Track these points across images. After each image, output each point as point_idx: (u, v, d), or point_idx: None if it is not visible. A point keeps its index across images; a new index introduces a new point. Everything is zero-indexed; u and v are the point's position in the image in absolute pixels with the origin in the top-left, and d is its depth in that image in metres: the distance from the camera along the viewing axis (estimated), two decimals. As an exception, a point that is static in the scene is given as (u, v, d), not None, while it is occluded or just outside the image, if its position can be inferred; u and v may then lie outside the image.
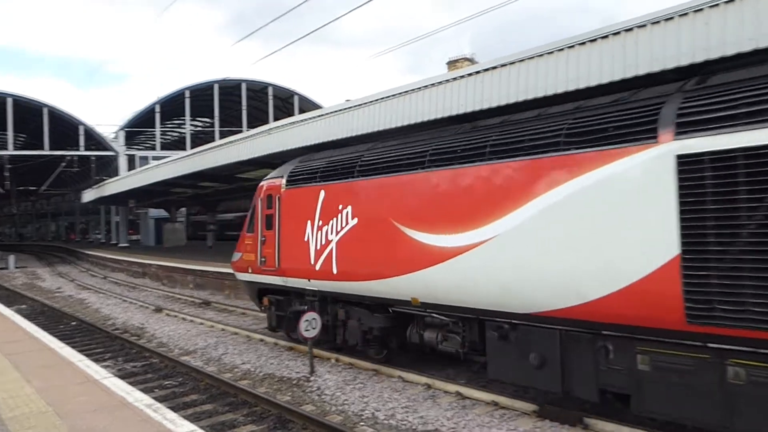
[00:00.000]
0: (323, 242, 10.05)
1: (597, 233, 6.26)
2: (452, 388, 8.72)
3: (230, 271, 14.27)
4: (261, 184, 12.11)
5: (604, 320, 6.31)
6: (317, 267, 10.16)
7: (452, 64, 30.26)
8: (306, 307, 10.68)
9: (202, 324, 15.55)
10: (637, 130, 6.04)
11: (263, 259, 11.65)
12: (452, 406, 8.08)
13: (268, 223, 11.57)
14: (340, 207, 9.74)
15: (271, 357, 11.40)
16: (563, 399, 7.39)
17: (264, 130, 17.02)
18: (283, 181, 11.30)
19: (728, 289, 5.34)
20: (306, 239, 10.42)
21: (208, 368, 10.75)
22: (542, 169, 6.78)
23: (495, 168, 7.30)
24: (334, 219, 9.83)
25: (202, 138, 48.70)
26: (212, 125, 49.13)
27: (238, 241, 12.78)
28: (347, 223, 9.58)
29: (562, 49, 8.02)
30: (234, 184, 27.59)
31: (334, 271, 9.80)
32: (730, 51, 6.24)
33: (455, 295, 7.87)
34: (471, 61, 28.89)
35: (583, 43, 7.80)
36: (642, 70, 7.19)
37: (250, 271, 12.23)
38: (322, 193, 10.20)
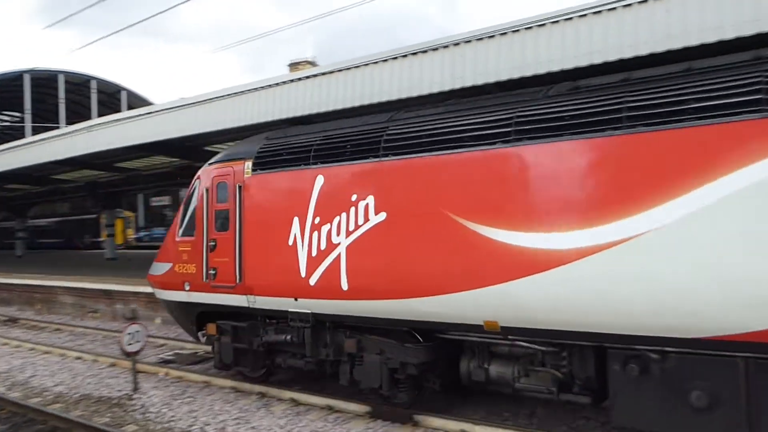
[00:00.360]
0: (323, 247, 7.34)
1: None
2: (287, 395, 8.55)
3: (43, 283, 12.09)
4: (205, 169, 9.09)
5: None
6: (312, 281, 7.44)
7: (294, 66, 30.40)
8: (289, 337, 8.03)
9: (6, 344, 13.77)
10: None
11: (212, 272, 8.58)
12: (286, 413, 7.94)
13: (221, 222, 8.57)
14: (354, 197, 7.07)
15: (89, 376, 10.39)
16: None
17: (84, 126, 15.69)
18: (248, 164, 8.30)
19: None
20: (291, 243, 7.64)
21: (11, 394, 9.50)
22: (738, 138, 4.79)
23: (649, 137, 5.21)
24: (343, 214, 7.16)
25: (10, 134, 43.46)
26: (22, 120, 44.00)
27: (160, 248, 9.89)
28: (367, 220, 6.96)
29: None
30: (49, 186, 24.96)
31: (344, 286, 7.13)
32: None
33: (567, 315, 5.61)
34: (312, 63, 29.16)
35: (416, 54, 8.29)
36: (468, 82, 7.75)
37: (186, 288, 8.99)
38: (320, 179, 7.48)
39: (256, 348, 8.60)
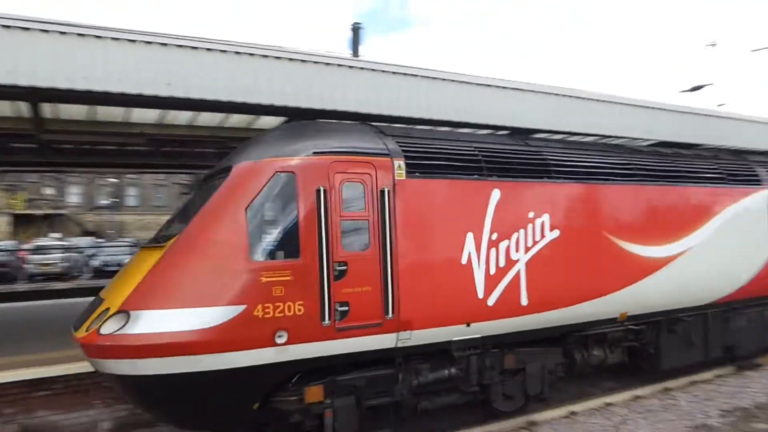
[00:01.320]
0: (502, 264, 7.26)
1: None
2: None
3: None
4: (308, 159, 6.38)
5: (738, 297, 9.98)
6: (490, 301, 7.14)
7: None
8: (452, 370, 7.21)
9: None
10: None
11: (343, 308, 6.29)
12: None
13: (356, 237, 6.47)
14: (531, 215, 7.59)
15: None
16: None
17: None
18: (398, 163, 6.79)
19: None
20: (465, 262, 7.02)
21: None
22: None
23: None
24: (521, 230, 7.48)
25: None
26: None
27: (189, 280, 5.89)
28: (543, 236, 7.63)
29: None
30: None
31: (524, 302, 7.36)
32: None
33: (663, 300, 8.97)
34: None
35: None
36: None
37: (280, 340, 5.97)
38: (496, 193, 7.37)
39: (403, 398, 6.87)
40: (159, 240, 6.46)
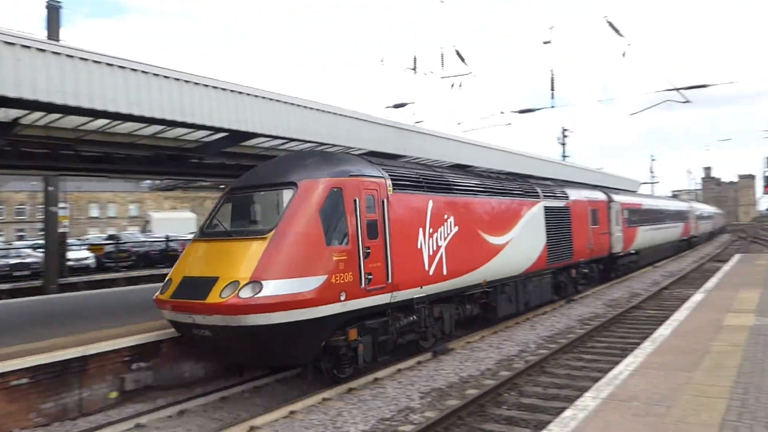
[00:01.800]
0: (434, 248, 11.10)
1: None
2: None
3: None
4: (349, 180, 9.36)
5: (532, 270, 15.19)
6: (431, 272, 10.94)
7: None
8: (414, 317, 10.75)
9: None
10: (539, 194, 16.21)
11: (369, 277, 9.28)
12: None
13: (371, 231, 9.51)
14: (446, 216, 11.65)
15: None
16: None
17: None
18: (388, 182, 10.21)
19: (556, 250, 16.35)
20: (419, 247, 10.72)
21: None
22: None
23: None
24: (442, 226, 11.49)
25: None
26: None
27: (282, 260, 8.18)
28: (451, 231, 11.76)
29: None
30: None
31: (444, 272, 11.34)
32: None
33: (503, 271, 13.69)
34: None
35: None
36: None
37: (343, 298, 8.73)
38: (430, 203, 11.24)
39: (394, 336, 10.26)
40: (239, 233, 8.86)
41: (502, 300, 13.89)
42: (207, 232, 9.41)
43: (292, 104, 10.20)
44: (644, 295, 19.17)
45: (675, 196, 73.08)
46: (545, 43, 16.88)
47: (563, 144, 42.84)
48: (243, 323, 7.90)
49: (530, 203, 15.50)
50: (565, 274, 17.82)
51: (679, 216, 38.84)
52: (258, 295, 7.82)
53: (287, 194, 8.81)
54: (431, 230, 11.03)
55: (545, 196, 16.70)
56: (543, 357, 10.76)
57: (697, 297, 13.64)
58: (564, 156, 42.27)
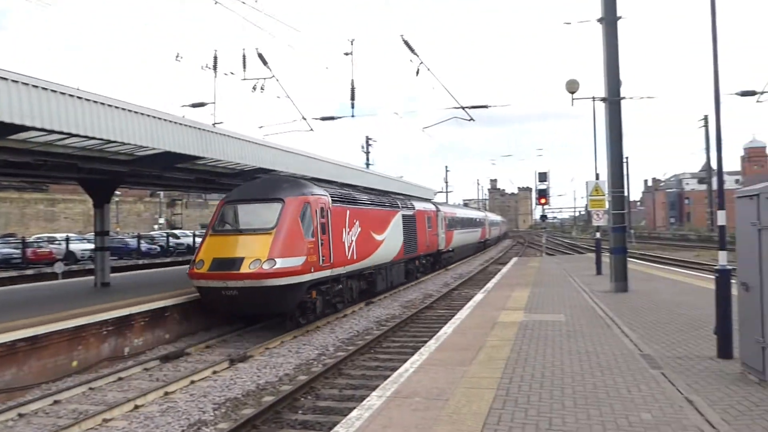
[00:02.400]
0: (350, 241, 16.75)
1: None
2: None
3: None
4: (309, 197, 14.54)
5: (393, 260, 21.40)
6: (348, 257, 16.52)
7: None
8: (340, 287, 16.40)
9: None
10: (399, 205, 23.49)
11: (323, 258, 14.60)
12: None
13: (323, 229, 14.88)
14: (355, 221, 17.29)
15: None
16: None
17: None
18: (329, 199, 15.70)
19: (408, 246, 23.61)
20: (343, 240, 16.25)
21: None
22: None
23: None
24: (353, 227, 17.09)
25: None
26: None
27: (281, 248, 13.11)
28: (359, 230, 17.51)
29: None
30: None
31: (355, 257, 17.03)
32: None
33: (383, 258, 19.92)
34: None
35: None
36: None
37: (312, 270, 13.93)
38: (348, 212, 17.00)
39: (333, 299, 15.96)
40: (248, 229, 13.66)
41: (379, 279, 19.91)
42: (219, 230, 14.06)
43: (71, 96, 9.24)
44: (436, 296, 20.67)
45: (466, 204, 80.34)
46: (346, 54, 17.39)
47: (367, 153, 44.61)
48: (263, 285, 12.73)
49: (395, 212, 22.15)
50: (412, 263, 25.18)
51: (479, 223, 49.29)
52: (273, 268, 12.73)
53: (279, 206, 13.69)
54: (348, 230, 16.57)
55: (402, 207, 23.54)
56: (340, 359, 11.03)
57: (479, 296, 15.05)
58: (367, 164, 44.02)
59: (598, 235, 23.71)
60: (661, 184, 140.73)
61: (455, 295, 21.37)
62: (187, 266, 15.15)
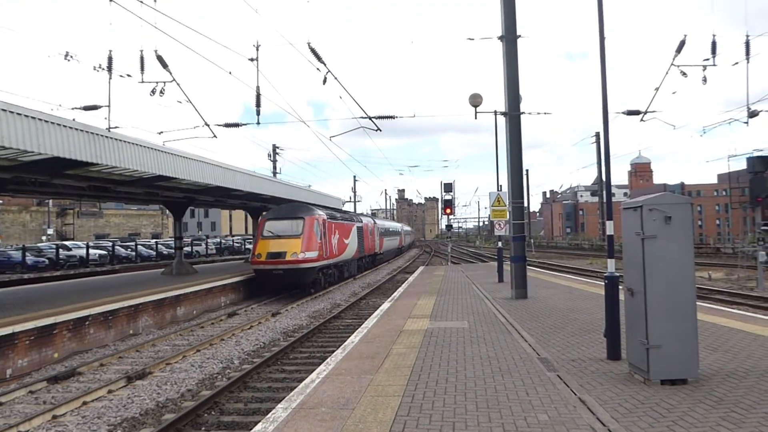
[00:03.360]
0: (334, 243, 27.07)
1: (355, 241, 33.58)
2: None
3: None
4: (315, 216, 24.93)
5: (352, 257, 32.94)
6: (335, 252, 26.94)
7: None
8: (331, 272, 27.49)
9: None
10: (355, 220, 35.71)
11: (326, 253, 25.31)
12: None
13: (324, 235, 25.16)
14: (335, 230, 27.69)
15: None
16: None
17: None
18: (326, 217, 26.52)
19: (359, 248, 35.39)
20: (330, 242, 26.40)
21: None
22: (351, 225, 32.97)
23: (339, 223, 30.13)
24: (334, 234, 27.45)
25: None
26: None
27: (305, 246, 23.54)
28: (336, 235, 28.12)
29: None
30: None
31: (335, 252, 27.38)
32: None
33: (347, 256, 31.29)
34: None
35: None
36: None
37: (322, 259, 24.97)
38: (331, 225, 26.95)
39: (328, 278, 26.78)
40: (285, 234, 23.69)
41: (345, 269, 30.48)
42: (266, 236, 23.52)
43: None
44: (344, 305, 20.67)
45: (374, 214, 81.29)
46: (251, 60, 17.05)
47: (274, 161, 44.04)
48: (298, 267, 22.70)
49: (353, 225, 33.01)
50: (361, 260, 35.83)
51: (398, 233, 63.85)
52: (302, 257, 22.68)
53: (301, 221, 23.70)
54: (331, 235, 26.21)
55: (356, 221, 34.80)
56: (246, 372, 10.79)
57: (386, 305, 15.21)
58: (275, 172, 43.47)
59: (500, 244, 24.65)
60: (558, 195, 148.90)
61: (363, 304, 21.48)
62: (80, 279, 23.13)
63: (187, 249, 45.77)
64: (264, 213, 27.17)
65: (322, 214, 25.73)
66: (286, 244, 22.79)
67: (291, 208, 25.57)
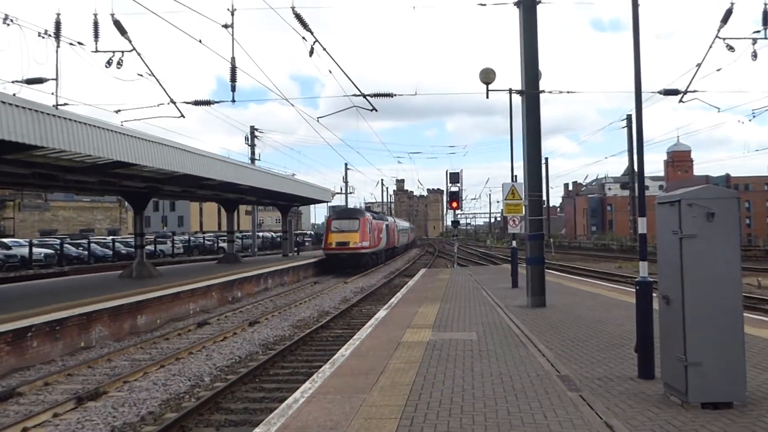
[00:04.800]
0: (380, 236, 51.03)
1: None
2: None
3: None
4: (366, 217, 45.79)
5: (384, 248, 55.05)
6: (380, 242, 52.57)
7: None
8: (376, 256, 49.81)
9: None
10: (385, 219, 59.96)
11: (375, 242, 47.48)
12: None
13: (372, 230, 46.34)
14: (379, 226, 51.39)
15: None
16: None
17: None
18: (372, 216, 50.27)
19: (387, 241, 57.70)
20: (378, 235, 50.30)
21: None
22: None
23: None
24: (379, 229, 51.71)
25: None
26: None
27: (362, 238, 42.62)
28: (382, 231, 53.20)
29: None
30: None
31: (380, 243, 51.97)
32: None
33: (384, 246, 54.99)
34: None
35: None
36: None
37: (374, 246, 46.42)
38: (378, 222, 52.63)
39: (375, 260, 49.44)
40: (347, 229, 43.86)
41: (382, 255, 52.04)
42: (334, 230, 43.33)
43: None
44: (333, 313, 20.72)
45: (368, 208, 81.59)
46: (225, 26, 16.88)
47: (252, 146, 44.00)
48: (357, 252, 42.65)
49: (383, 223, 53.12)
50: (387, 251, 55.46)
51: (407, 230, 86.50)
52: (360, 245, 42.58)
53: (357, 220, 43.67)
54: (375, 231, 46.76)
55: (385, 220, 55.90)
56: (218, 391, 10.81)
57: (382, 313, 15.26)
58: (252, 159, 43.47)
59: (514, 243, 24.68)
60: (583, 189, 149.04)
61: (355, 312, 21.53)
62: (22, 283, 24.49)
63: (150, 248, 45.77)
64: (329, 214, 48.30)
65: (369, 215, 46.69)
66: (349, 236, 41.45)
67: (350, 211, 48.05)
